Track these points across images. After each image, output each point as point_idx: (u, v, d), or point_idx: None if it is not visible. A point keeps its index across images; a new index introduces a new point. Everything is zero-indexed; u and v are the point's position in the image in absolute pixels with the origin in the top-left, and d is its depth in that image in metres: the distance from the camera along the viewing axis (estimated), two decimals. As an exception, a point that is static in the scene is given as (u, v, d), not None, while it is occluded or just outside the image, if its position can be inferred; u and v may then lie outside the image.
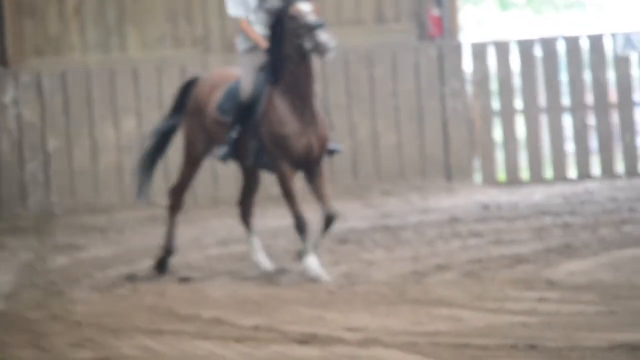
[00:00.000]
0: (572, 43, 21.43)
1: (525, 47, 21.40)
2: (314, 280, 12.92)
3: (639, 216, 16.55)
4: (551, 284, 12.38)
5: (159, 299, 12.88)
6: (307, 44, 12.73)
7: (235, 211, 18.48)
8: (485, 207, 18.02)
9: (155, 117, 18.42)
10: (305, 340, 10.18)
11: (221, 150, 13.47)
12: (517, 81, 21.43)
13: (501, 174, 21.42)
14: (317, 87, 13.32)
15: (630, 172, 21.15)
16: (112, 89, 20.82)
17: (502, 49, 21.47)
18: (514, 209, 17.69)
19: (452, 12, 21.31)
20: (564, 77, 21.45)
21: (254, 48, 13.27)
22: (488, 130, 21.33)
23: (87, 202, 20.69)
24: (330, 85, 20.56)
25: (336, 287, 12.99)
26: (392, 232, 16.32)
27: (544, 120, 21.35)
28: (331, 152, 13.44)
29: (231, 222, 18.36)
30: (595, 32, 22.86)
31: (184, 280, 13.82)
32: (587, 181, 21.01)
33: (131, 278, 14.12)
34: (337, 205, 18.87)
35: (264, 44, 13.19)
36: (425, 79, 21.01)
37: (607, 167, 21.25)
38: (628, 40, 21.23)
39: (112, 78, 20.85)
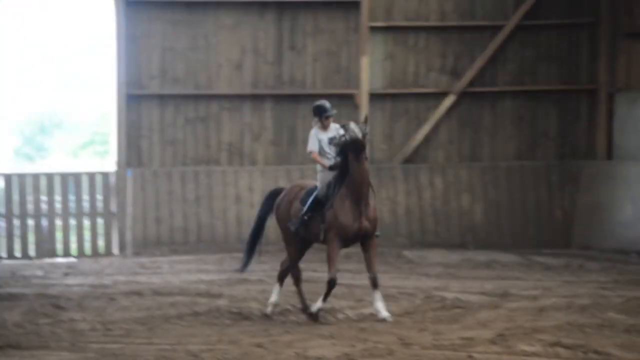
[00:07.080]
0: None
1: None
2: (382, 316, 11.68)
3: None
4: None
5: None
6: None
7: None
8: None
9: None
10: None
11: (294, 223, 12.18)
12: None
13: None
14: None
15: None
16: None
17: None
18: None
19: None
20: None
21: (328, 169, 12.21)
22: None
23: None
24: None
25: None
26: None
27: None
28: (377, 236, 12.15)
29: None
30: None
31: None
32: None
33: None
34: None
35: (327, 165, 12.14)
36: None
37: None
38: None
39: None
